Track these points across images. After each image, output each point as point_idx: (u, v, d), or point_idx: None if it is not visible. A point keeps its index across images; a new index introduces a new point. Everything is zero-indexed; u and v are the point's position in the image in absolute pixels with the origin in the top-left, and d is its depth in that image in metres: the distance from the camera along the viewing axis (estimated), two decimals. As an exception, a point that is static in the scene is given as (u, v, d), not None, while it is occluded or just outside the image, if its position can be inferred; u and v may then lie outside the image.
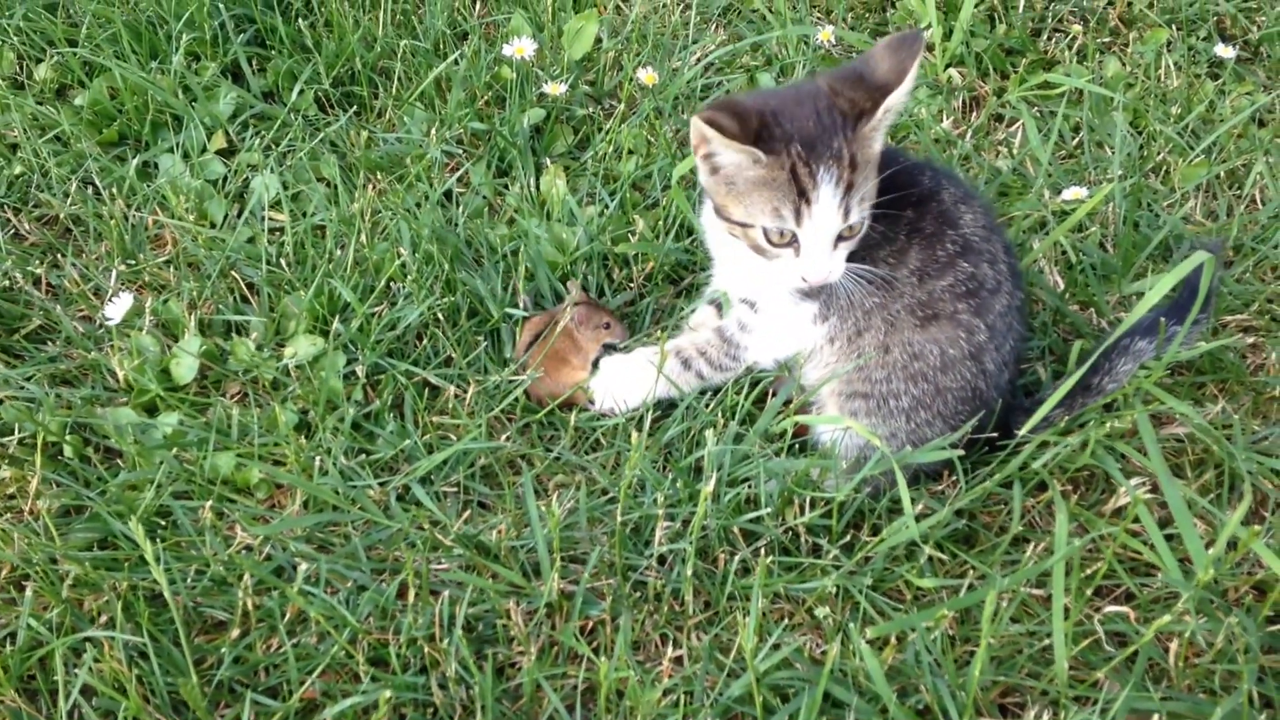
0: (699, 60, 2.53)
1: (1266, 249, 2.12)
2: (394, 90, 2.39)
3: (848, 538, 1.73)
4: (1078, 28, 2.64)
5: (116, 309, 1.88)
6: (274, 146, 2.27)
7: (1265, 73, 2.59)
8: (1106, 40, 2.65)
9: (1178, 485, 1.62)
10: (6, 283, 2.02)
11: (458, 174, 2.24)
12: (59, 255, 2.07)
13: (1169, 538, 1.70)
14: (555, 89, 2.33)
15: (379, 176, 2.24)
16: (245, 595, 1.56)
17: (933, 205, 1.71)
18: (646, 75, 2.40)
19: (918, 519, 1.67)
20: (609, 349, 1.96)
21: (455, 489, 1.80)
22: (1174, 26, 2.65)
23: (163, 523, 1.70)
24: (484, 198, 2.21)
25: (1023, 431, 1.72)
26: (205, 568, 1.63)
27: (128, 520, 1.64)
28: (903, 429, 1.74)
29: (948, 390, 1.72)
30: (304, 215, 2.13)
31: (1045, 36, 2.66)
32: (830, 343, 1.77)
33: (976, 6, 2.64)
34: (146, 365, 1.87)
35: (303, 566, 1.57)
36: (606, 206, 2.17)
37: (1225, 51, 2.54)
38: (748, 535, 1.72)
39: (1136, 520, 1.66)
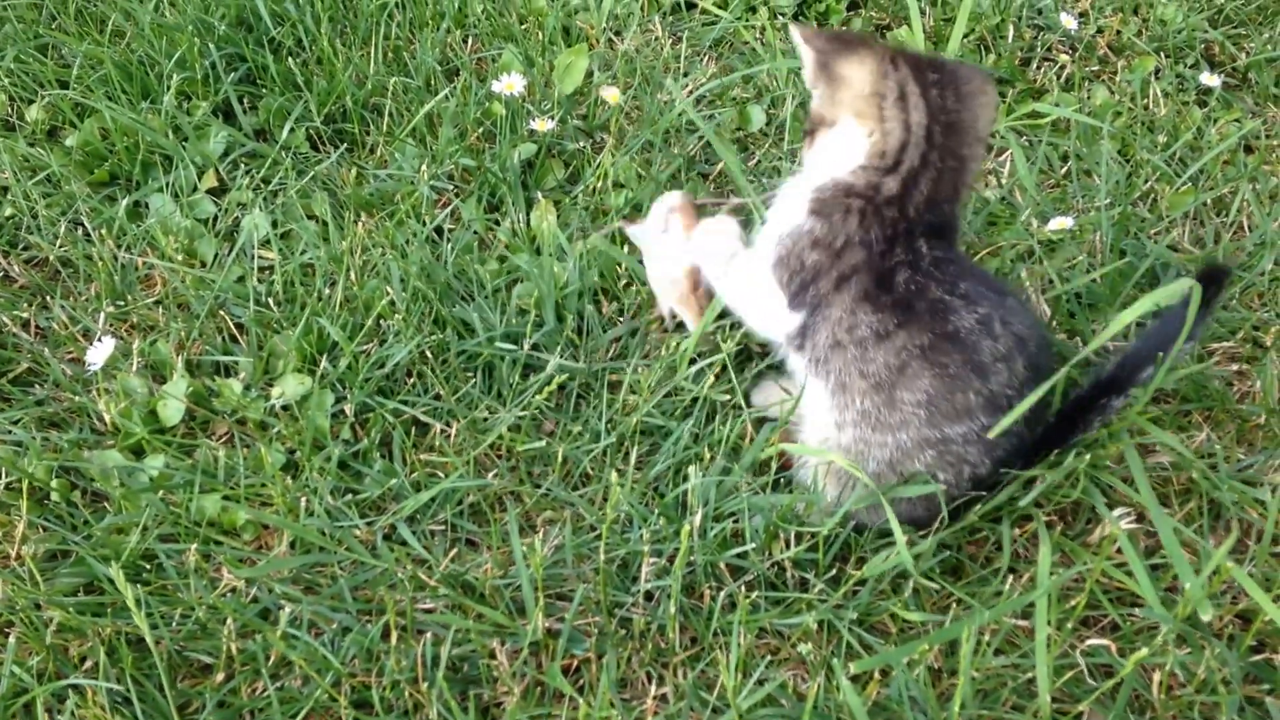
0: (690, 93, 2.54)
1: (1252, 276, 2.12)
2: (385, 126, 2.41)
3: (834, 571, 1.73)
4: (1065, 57, 2.65)
5: (99, 354, 1.88)
6: (264, 185, 2.29)
7: (1253, 99, 2.60)
8: (1095, 69, 2.66)
9: (1167, 518, 1.62)
10: (-5, 326, 2.03)
11: (449, 209, 2.25)
12: (48, 297, 2.08)
13: (1155, 567, 1.70)
14: (543, 125, 2.34)
15: (371, 213, 2.25)
16: (229, 639, 1.56)
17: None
18: (611, 94, 2.40)
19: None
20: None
21: (443, 527, 1.80)
22: (1162, 54, 2.66)
23: (148, 566, 1.71)
24: (475, 232, 2.21)
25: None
26: (190, 611, 1.64)
27: (114, 563, 1.64)
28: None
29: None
30: (294, 253, 2.14)
31: (1034, 65, 2.66)
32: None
33: (966, 37, 2.65)
34: (133, 408, 1.87)
35: (287, 609, 1.57)
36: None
37: (1211, 80, 2.54)
38: (735, 570, 1.73)
39: (1121, 550, 1.66)
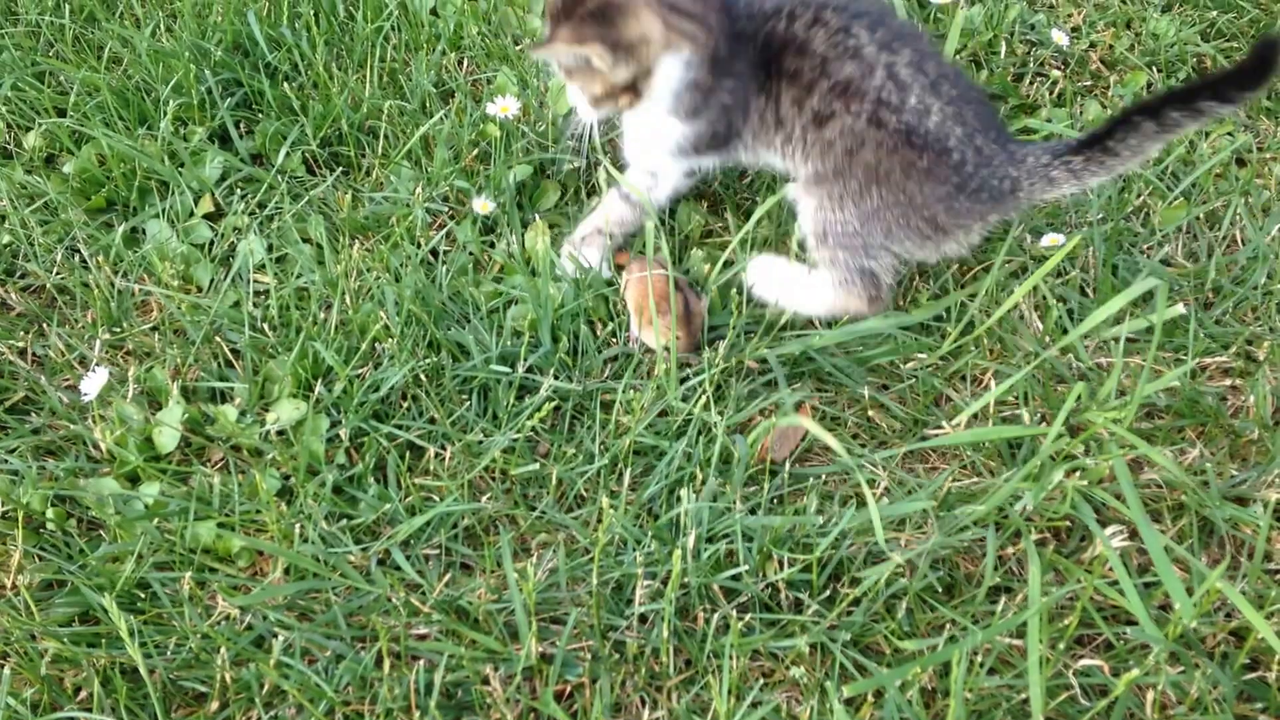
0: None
1: (1245, 290, 2.12)
2: (381, 149, 2.41)
3: (828, 591, 1.73)
4: (1057, 72, 2.66)
5: (93, 384, 1.89)
6: (260, 209, 2.29)
7: (1246, 112, 2.60)
8: (1088, 84, 2.66)
9: (1157, 535, 1.62)
10: (-7, 355, 2.04)
11: (445, 230, 2.26)
12: (44, 325, 2.09)
13: (1149, 585, 1.71)
14: (485, 207, 2.33)
15: (366, 236, 2.26)
16: (223, 668, 1.57)
17: (790, 46, 1.94)
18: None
19: (896, 574, 1.69)
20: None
21: (437, 551, 1.81)
22: (1154, 69, 2.66)
23: (142, 595, 1.71)
24: (470, 254, 2.22)
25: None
26: (184, 640, 1.64)
27: (108, 593, 1.65)
28: (852, 219, 1.99)
29: (871, 164, 1.93)
30: (290, 278, 2.15)
31: (1027, 81, 2.67)
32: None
33: (958, 53, 2.65)
34: (129, 435, 1.88)
35: (280, 637, 1.58)
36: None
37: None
38: (729, 592, 1.73)
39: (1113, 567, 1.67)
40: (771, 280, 2.08)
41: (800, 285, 2.08)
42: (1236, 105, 1.79)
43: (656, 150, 2.08)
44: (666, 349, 1.94)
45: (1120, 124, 1.84)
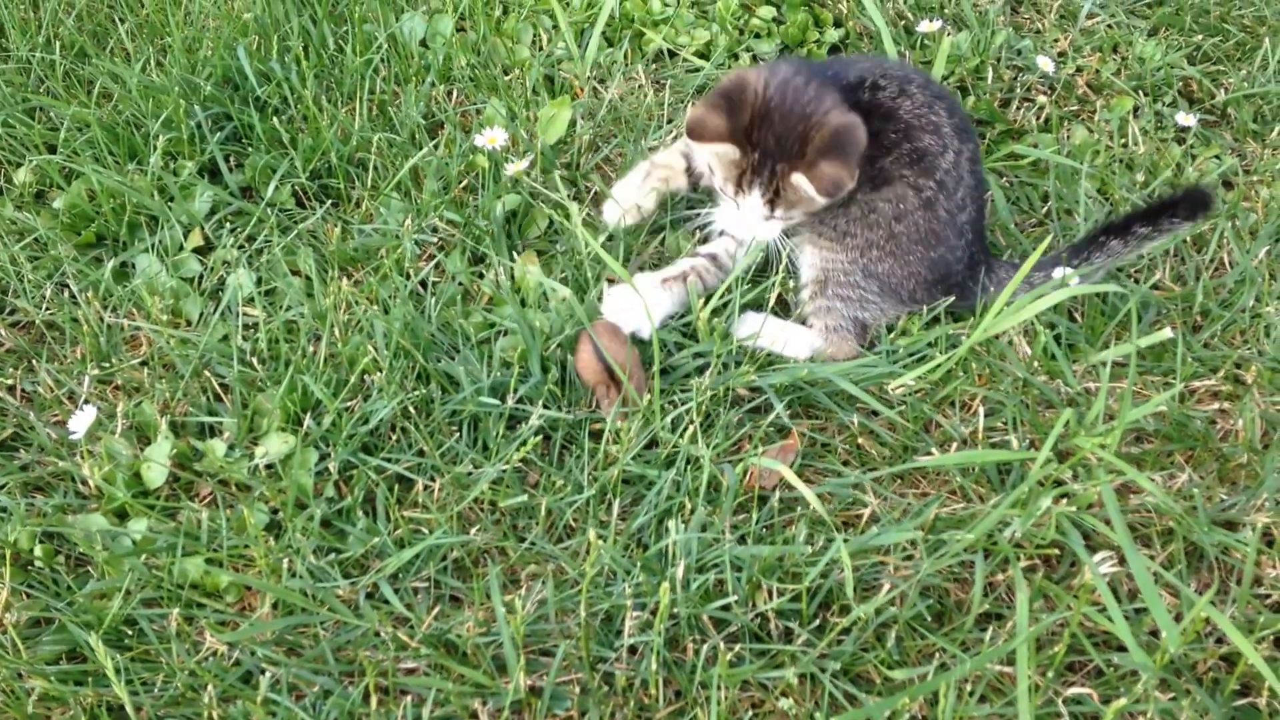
0: (675, 138, 2.56)
1: (1233, 313, 2.12)
2: (370, 181, 2.42)
3: (818, 620, 1.73)
4: (1043, 98, 2.67)
5: (80, 422, 1.89)
6: (249, 243, 2.30)
7: (1232, 135, 2.61)
8: (1074, 108, 2.67)
9: (1143, 559, 1.62)
10: (-18, 392, 2.04)
11: (434, 261, 2.26)
12: (33, 361, 2.09)
13: (1140, 610, 1.70)
14: (518, 166, 2.36)
15: (355, 268, 2.27)
16: (210, 706, 1.56)
17: (876, 111, 2.01)
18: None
19: (886, 604, 1.69)
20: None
21: (426, 584, 1.80)
22: (1140, 92, 2.67)
23: (130, 631, 1.71)
24: (460, 284, 2.22)
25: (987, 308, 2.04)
26: (172, 676, 1.64)
27: (96, 631, 1.65)
28: (858, 271, 2.08)
29: (901, 234, 2.04)
30: (280, 310, 2.15)
31: (1014, 106, 2.68)
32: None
33: (945, 79, 2.67)
34: (117, 471, 1.88)
35: (268, 673, 1.58)
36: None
37: (1186, 119, 2.55)
38: (718, 623, 1.73)
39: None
40: (761, 333, 2.10)
41: (789, 332, 2.14)
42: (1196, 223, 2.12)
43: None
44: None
45: (1088, 246, 2.14)
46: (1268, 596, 1.76)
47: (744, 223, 2.04)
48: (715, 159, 1.99)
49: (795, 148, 1.91)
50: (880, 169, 2.01)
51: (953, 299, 2.11)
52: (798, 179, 1.89)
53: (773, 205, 1.97)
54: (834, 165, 1.87)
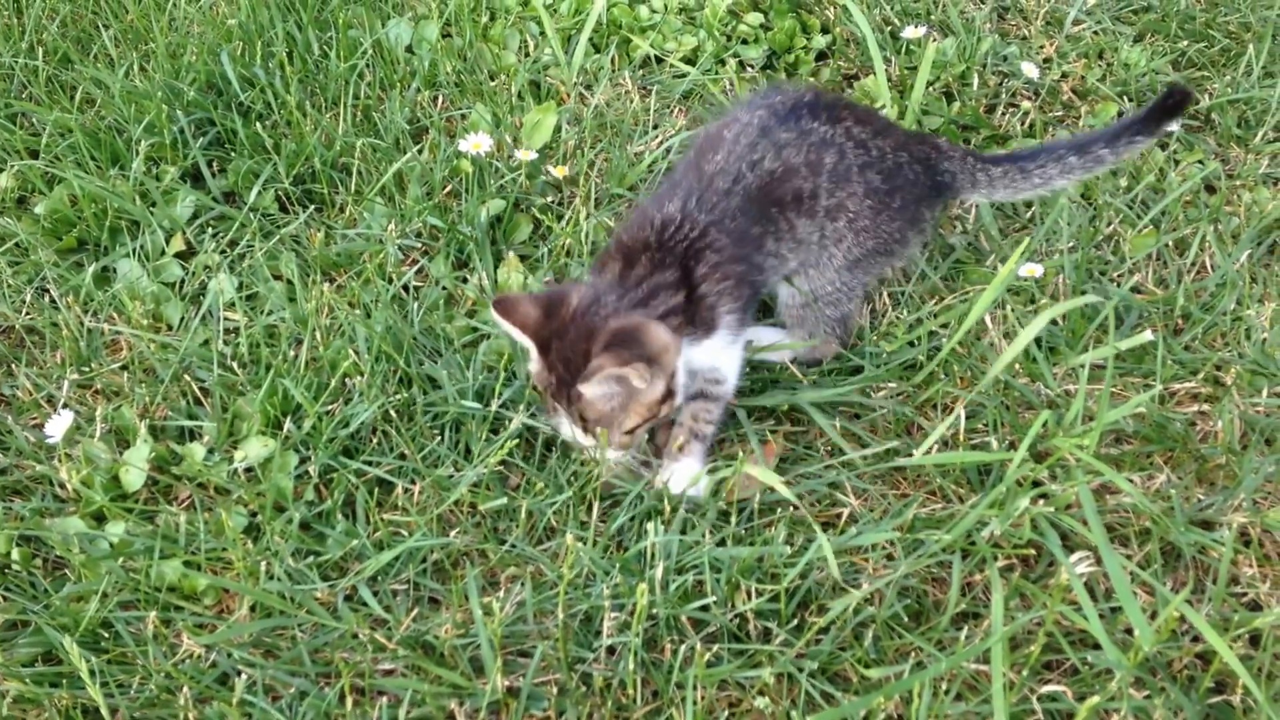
0: (660, 144, 2.56)
1: (1214, 316, 2.12)
2: (354, 186, 2.42)
3: (796, 620, 1.73)
4: (1028, 104, 2.67)
5: (57, 426, 1.89)
6: (231, 248, 2.30)
7: (1216, 140, 2.61)
8: (1059, 114, 2.68)
9: (1119, 558, 1.62)
10: (-40, 396, 2.04)
11: (417, 266, 2.27)
12: (12, 365, 2.09)
13: (1116, 609, 1.70)
14: (525, 155, 2.41)
15: (338, 273, 2.27)
16: (186, 708, 1.56)
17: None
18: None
19: (864, 602, 1.69)
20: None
21: (405, 586, 1.80)
22: (1125, 98, 2.68)
23: (106, 634, 1.70)
24: (444, 288, 2.22)
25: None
26: (148, 679, 1.63)
27: (72, 633, 1.64)
28: (844, 270, 2.04)
29: (866, 208, 2.00)
30: (261, 314, 2.15)
31: (999, 112, 2.68)
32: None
33: (931, 85, 2.67)
34: (95, 475, 1.88)
35: (244, 675, 1.57)
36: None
37: (1170, 124, 2.55)
38: (697, 623, 1.72)
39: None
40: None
41: (773, 341, 2.13)
42: (1155, 136, 2.13)
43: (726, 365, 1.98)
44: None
45: (1043, 153, 2.12)
46: (1244, 595, 1.76)
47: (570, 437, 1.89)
48: (532, 365, 1.87)
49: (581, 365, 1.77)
50: (825, 209, 1.97)
51: (941, 203, 2.15)
52: (582, 389, 1.76)
53: (585, 426, 1.83)
54: (610, 358, 1.73)
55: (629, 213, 2.29)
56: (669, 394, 1.83)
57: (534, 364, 1.84)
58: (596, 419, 1.81)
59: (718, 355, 1.92)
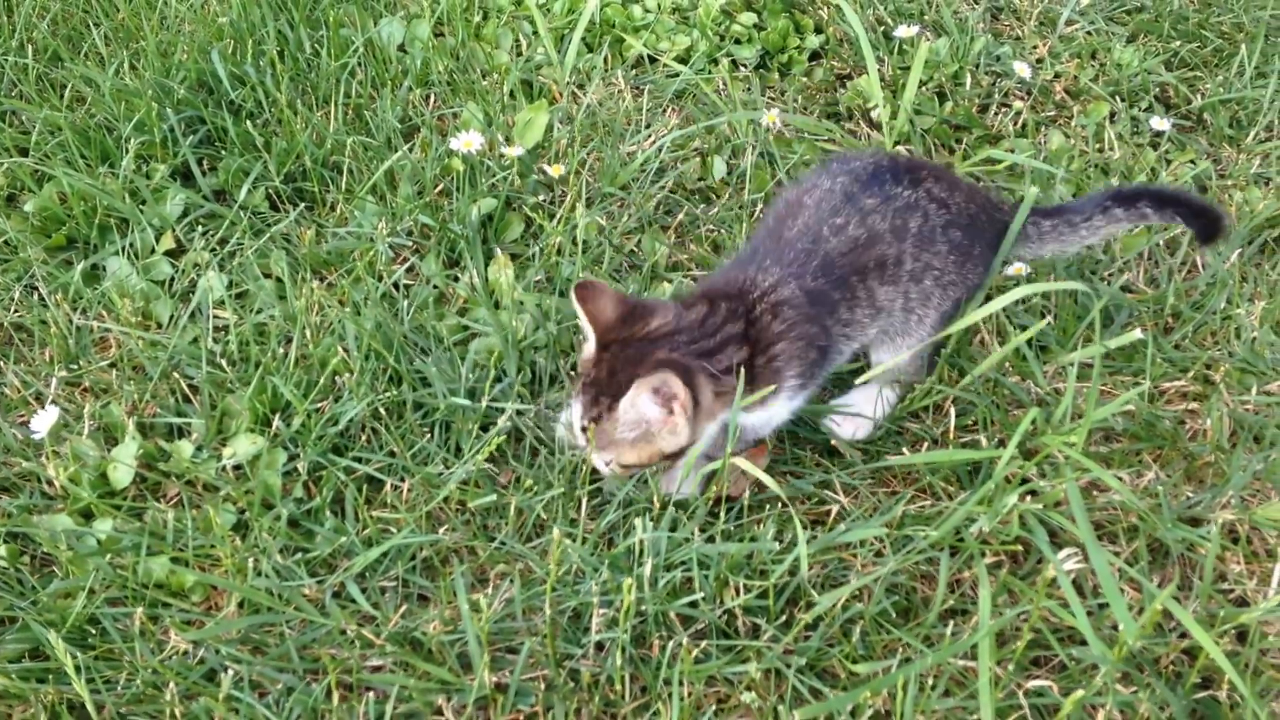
0: (652, 143, 2.56)
1: (1204, 315, 2.13)
2: (345, 184, 2.42)
3: (785, 616, 1.73)
4: (1020, 104, 2.67)
5: (43, 422, 1.89)
6: (221, 246, 2.30)
7: (1208, 139, 2.61)
8: (1051, 114, 2.68)
9: (1107, 554, 1.62)
10: (-53, 393, 2.03)
11: (407, 265, 2.26)
12: (1, 362, 2.09)
13: (1104, 605, 1.70)
14: (512, 151, 2.40)
15: (329, 270, 2.27)
16: (172, 704, 1.55)
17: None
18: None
19: (852, 598, 1.69)
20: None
21: (394, 583, 1.80)
22: (1117, 98, 2.68)
23: (93, 630, 1.70)
24: (435, 287, 2.22)
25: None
26: (135, 675, 1.63)
27: (58, 629, 1.64)
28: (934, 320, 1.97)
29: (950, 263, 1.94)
30: (251, 312, 2.15)
31: (992, 111, 2.68)
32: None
33: (923, 85, 2.67)
34: (83, 471, 1.87)
35: (231, 671, 1.57)
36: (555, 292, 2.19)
37: (1161, 124, 2.56)
38: (686, 619, 1.72)
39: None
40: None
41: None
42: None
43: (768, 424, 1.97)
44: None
45: (1092, 205, 2.04)
46: (1230, 591, 1.76)
47: (571, 423, 1.86)
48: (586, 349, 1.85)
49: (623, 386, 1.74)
50: (909, 273, 1.91)
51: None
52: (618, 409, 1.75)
53: (597, 420, 1.78)
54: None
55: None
56: (682, 452, 1.80)
57: (588, 351, 1.82)
58: (608, 437, 1.78)
59: (771, 415, 1.89)
